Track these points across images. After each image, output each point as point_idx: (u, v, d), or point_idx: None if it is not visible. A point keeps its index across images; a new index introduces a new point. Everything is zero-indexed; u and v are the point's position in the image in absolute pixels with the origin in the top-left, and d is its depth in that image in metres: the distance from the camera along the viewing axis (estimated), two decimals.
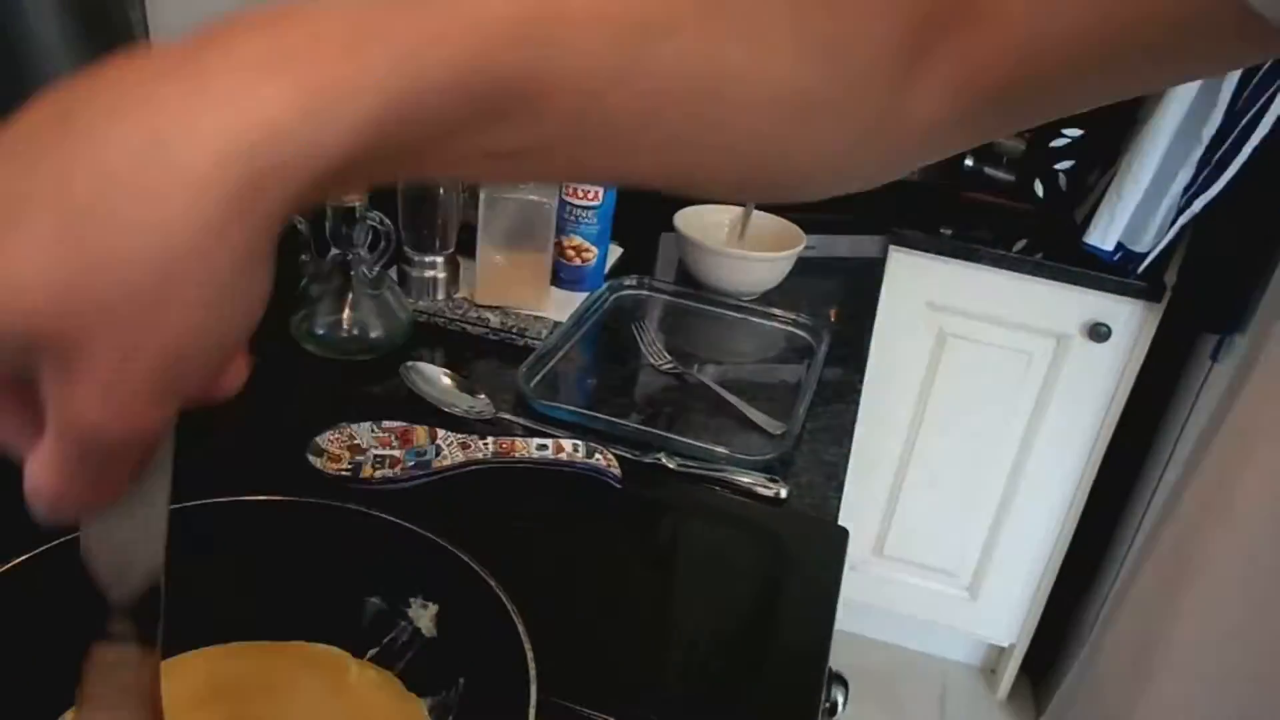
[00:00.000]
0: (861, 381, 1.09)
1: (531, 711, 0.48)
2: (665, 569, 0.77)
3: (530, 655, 0.51)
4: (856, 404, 1.04)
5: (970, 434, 1.74)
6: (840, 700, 0.80)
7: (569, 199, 1.10)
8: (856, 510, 1.83)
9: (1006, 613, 1.87)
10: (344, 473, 0.77)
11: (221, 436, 0.83)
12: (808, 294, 1.23)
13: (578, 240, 1.11)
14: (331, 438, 0.80)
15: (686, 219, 1.23)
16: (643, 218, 1.25)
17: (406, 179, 0.32)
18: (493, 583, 0.54)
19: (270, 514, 0.59)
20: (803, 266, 1.24)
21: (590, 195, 1.09)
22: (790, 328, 1.14)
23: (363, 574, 0.60)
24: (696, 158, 0.37)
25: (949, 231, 1.62)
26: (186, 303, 0.25)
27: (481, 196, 1.04)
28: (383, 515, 0.59)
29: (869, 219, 1.57)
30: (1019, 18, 0.35)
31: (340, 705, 0.56)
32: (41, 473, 0.27)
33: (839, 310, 1.26)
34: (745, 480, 0.84)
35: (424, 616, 0.59)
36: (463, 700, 0.55)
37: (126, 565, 0.33)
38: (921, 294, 1.64)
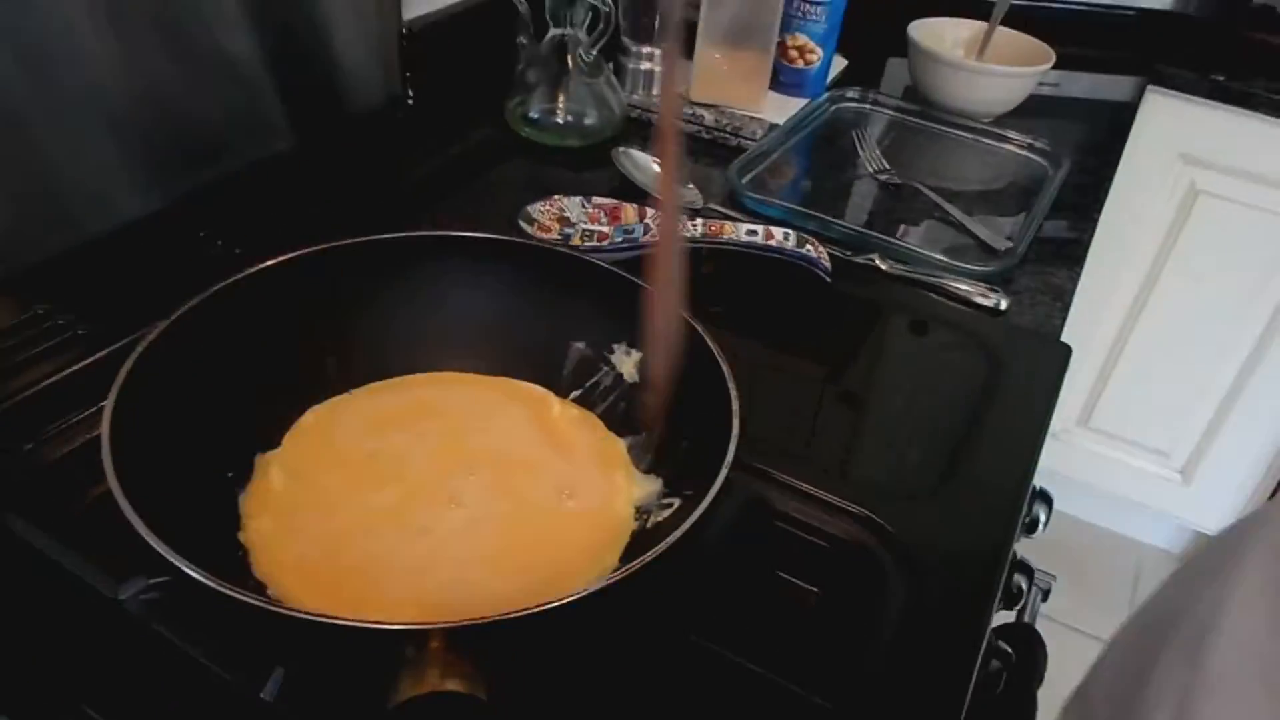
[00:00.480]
0: (1099, 212, 1.00)
1: (727, 460, 0.47)
2: (873, 364, 0.74)
3: (735, 402, 0.49)
4: (1090, 233, 0.96)
5: (1209, 305, 1.58)
6: (1043, 517, 0.76)
7: None
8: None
9: (1222, 500, 1.73)
10: (553, 241, 0.78)
11: (440, 204, 0.86)
12: (1048, 126, 1.13)
13: (802, 39, 1.05)
14: (543, 208, 0.80)
15: (921, 29, 1.14)
16: (873, 34, 1.17)
17: None
18: (700, 329, 0.53)
19: (487, 249, 0.60)
20: (1044, 105, 1.13)
21: None
22: (1024, 152, 1.05)
23: (570, 319, 0.60)
24: None
25: (1221, 77, 1.43)
26: None
27: None
28: (593, 260, 0.59)
29: (1125, 57, 1.42)
30: None
31: (543, 435, 0.57)
32: None
33: (1080, 147, 1.15)
34: (963, 288, 0.80)
35: (627, 363, 0.59)
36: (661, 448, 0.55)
37: None
38: (1176, 144, 1.47)
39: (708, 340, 0.52)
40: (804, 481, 0.58)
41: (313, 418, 0.56)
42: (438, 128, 0.97)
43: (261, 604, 0.37)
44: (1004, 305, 0.79)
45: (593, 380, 0.60)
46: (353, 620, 0.36)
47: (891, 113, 1.12)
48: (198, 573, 0.37)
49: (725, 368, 0.51)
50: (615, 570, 0.42)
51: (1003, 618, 0.70)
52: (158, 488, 0.42)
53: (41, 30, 0.63)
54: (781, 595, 0.53)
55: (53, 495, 0.53)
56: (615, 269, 0.58)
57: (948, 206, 0.92)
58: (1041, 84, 1.15)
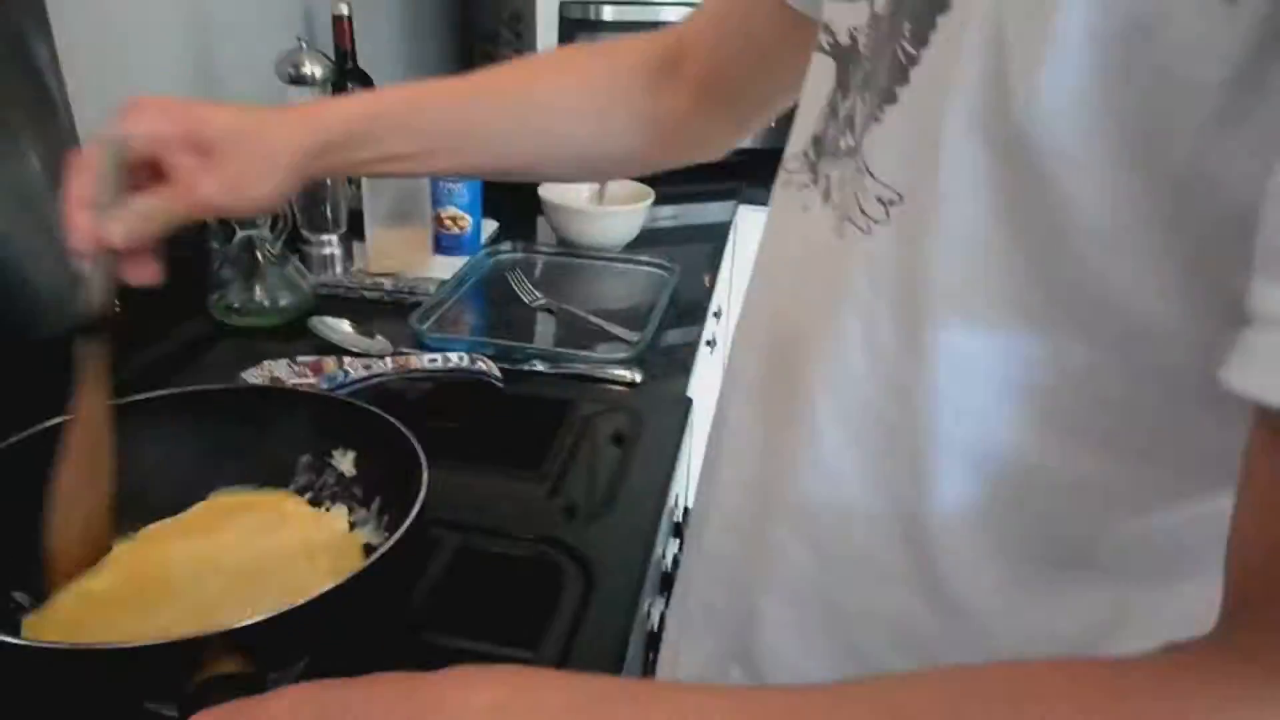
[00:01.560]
0: (708, 303, 1.29)
1: (415, 509, 0.64)
2: (542, 438, 0.94)
3: (424, 466, 0.67)
4: (702, 321, 1.23)
5: None
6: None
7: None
8: None
9: None
10: None
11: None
12: (663, 248, 1.42)
13: (453, 210, 1.29)
14: (254, 373, 0.95)
15: (550, 189, 1.42)
16: (518, 198, 1.43)
17: None
18: (396, 422, 0.71)
19: (213, 399, 0.75)
20: (661, 235, 1.43)
21: None
22: (647, 268, 1.33)
23: (292, 438, 0.76)
24: (536, 155, 0.73)
25: None
26: None
27: (364, 181, 1.21)
28: (306, 389, 0.76)
29: (723, 187, 1.78)
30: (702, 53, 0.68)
31: (280, 525, 0.71)
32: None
33: (692, 259, 1.45)
34: (607, 373, 1.03)
35: (344, 461, 0.75)
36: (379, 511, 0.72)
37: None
38: None
39: (399, 425, 0.70)
40: (501, 527, 0.76)
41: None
42: (149, 330, 1.10)
43: (68, 646, 0.49)
44: (639, 378, 1.02)
45: (320, 480, 0.76)
46: (152, 640, 0.49)
47: (540, 255, 1.37)
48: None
49: (414, 441, 0.68)
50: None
51: None
52: None
53: None
54: (492, 602, 0.70)
55: None
56: (325, 392, 0.75)
57: (591, 318, 1.16)
58: (658, 219, 1.46)
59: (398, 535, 0.59)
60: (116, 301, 1.10)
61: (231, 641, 0.51)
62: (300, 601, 0.54)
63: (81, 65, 1.05)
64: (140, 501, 0.72)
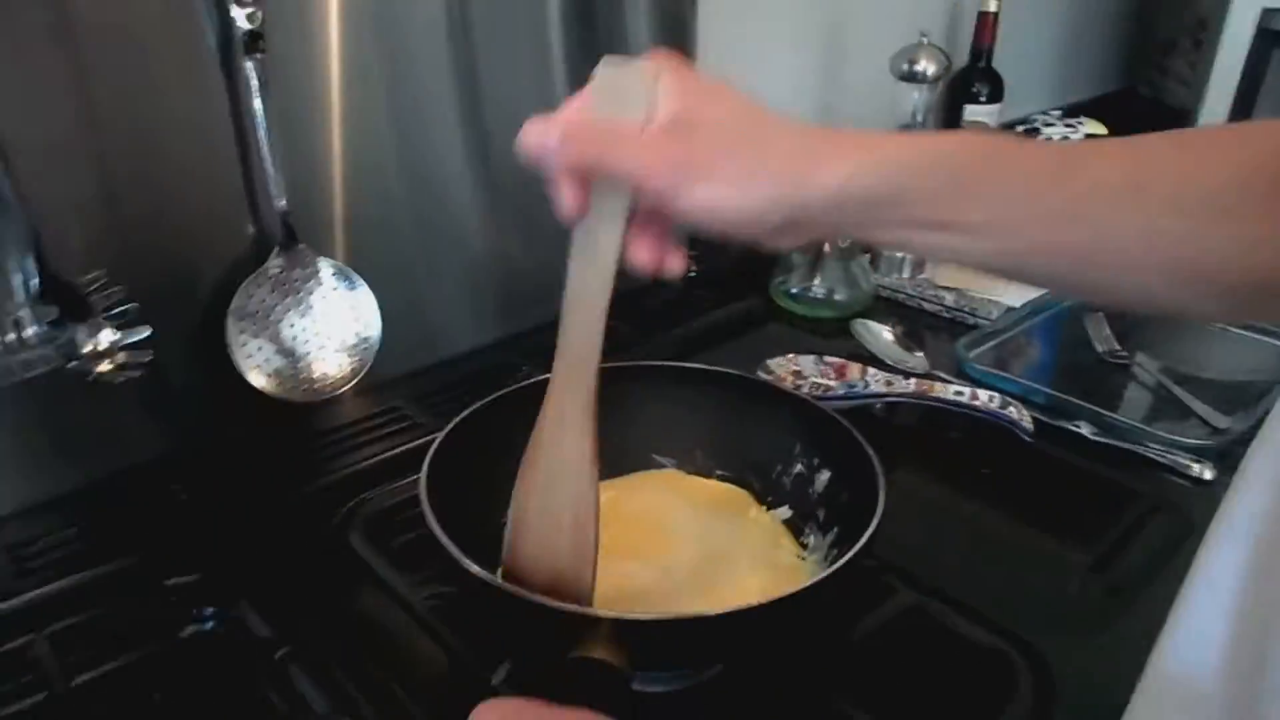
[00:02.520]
0: None
1: (860, 543, 0.57)
2: (1061, 515, 0.80)
3: (880, 504, 0.61)
4: None
5: None
6: None
7: None
8: None
9: None
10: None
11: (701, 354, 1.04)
12: None
13: None
14: (779, 362, 0.96)
15: None
16: None
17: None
18: (872, 455, 0.65)
19: (718, 380, 0.76)
20: None
21: None
22: (1270, 340, 1.07)
23: (775, 439, 0.74)
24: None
25: None
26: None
27: None
28: (811, 395, 0.74)
29: None
30: None
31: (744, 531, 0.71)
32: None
33: None
34: (1168, 457, 0.84)
35: (819, 478, 0.72)
36: (832, 545, 0.67)
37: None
38: None
39: (873, 459, 0.64)
40: (967, 599, 0.67)
41: None
42: (712, 297, 1.16)
43: (510, 590, 0.53)
44: (1208, 475, 0.82)
45: (788, 487, 0.73)
46: (561, 605, 0.51)
47: None
48: (482, 573, 0.54)
49: (876, 462, 0.62)
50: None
51: None
52: (453, 522, 0.60)
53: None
54: (918, 685, 0.62)
55: (384, 528, 0.74)
56: (816, 403, 0.72)
57: (1173, 386, 0.96)
58: None
59: (829, 570, 0.54)
60: (693, 266, 1.20)
61: (617, 630, 0.50)
62: (704, 613, 0.52)
63: (716, 40, 1.13)
64: (629, 453, 0.76)
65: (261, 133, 0.74)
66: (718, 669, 0.61)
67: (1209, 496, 0.81)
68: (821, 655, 0.63)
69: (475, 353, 0.99)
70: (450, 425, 0.66)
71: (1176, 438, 0.86)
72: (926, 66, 1.11)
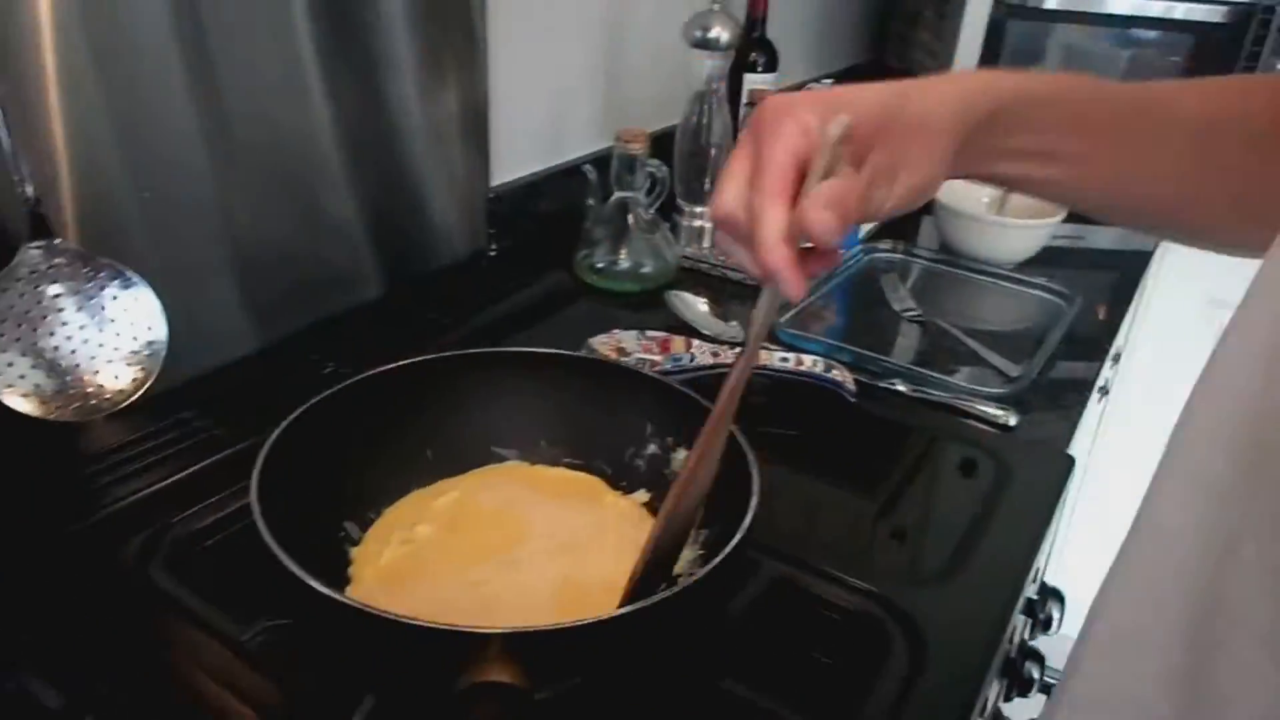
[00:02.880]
0: (1111, 343, 1.09)
1: (733, 543, 0.55)
2: (890, 470, 0.82)
3: (755, 477, 0.59)
4: (1102, 361, 1.04)
5: None
6: (1056, 614, 0.82)
7: None
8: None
9: None
10: None
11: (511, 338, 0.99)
12: (1064, 271, 1.22)
13: None
14: (602, 340, 0.92)
15: (946, 191, 1.27)
16: None
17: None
18: (740, 437, 0.63)
19: (563, 364, 0.72)
20: (1066, 255, 1.25)
21: None
22: (1041, 293, 1.16)
23: (627, 421, 0.71)
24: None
25: None
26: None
27: None
28: (651, 375, 0.71)
29: None
30: None
31: (597, 519, 0.67)
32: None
33: (1095, 289, 1.24)
34: (976, 408, 0.89)
35: (676, 457, 0.69)
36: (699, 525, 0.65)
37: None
38: (1203, 289, 1.56)
39: (737, 436, 0.62)
40: (825, 564, 0.67)
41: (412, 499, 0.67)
42: (515, 276, 1.11)
43: (381, 613, 0.47)
44: (1013, 422, 0.87)
45: (639, 466, 0.71)
46: (444, 624, 0.45)
47: (921, 261, 1.24)
48: (327, 590, 0.47)
49: (750, 455, 0.60)
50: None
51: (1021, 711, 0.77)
52: (289, 539, 0.53)
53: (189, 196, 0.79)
54: (799, 657, 0.61)
55: (193, 557, 0.64)
56: (667, 381, 0.70)
57: (967, 340, 1.02)
58: (1062, 237, 1.27)
59: (710, 567, 0.51)
60: (492, 245, 1.14)
61: (510, 645, 0.46)
62: (593, 619, 0.48)
63: (504, 12, 1.07)
64: (469, 448, 0.71)
65: None
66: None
67: (1015, 442, 0.86)
68: (702, 639, 0.60)
69: (266, 351, 0.89)
70: (279, 429, 0.59)
71: (980, 388, 0.91)
72: (720, 33, 1.11)
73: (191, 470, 0.72)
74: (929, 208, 1.28)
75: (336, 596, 0.47)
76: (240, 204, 0.84)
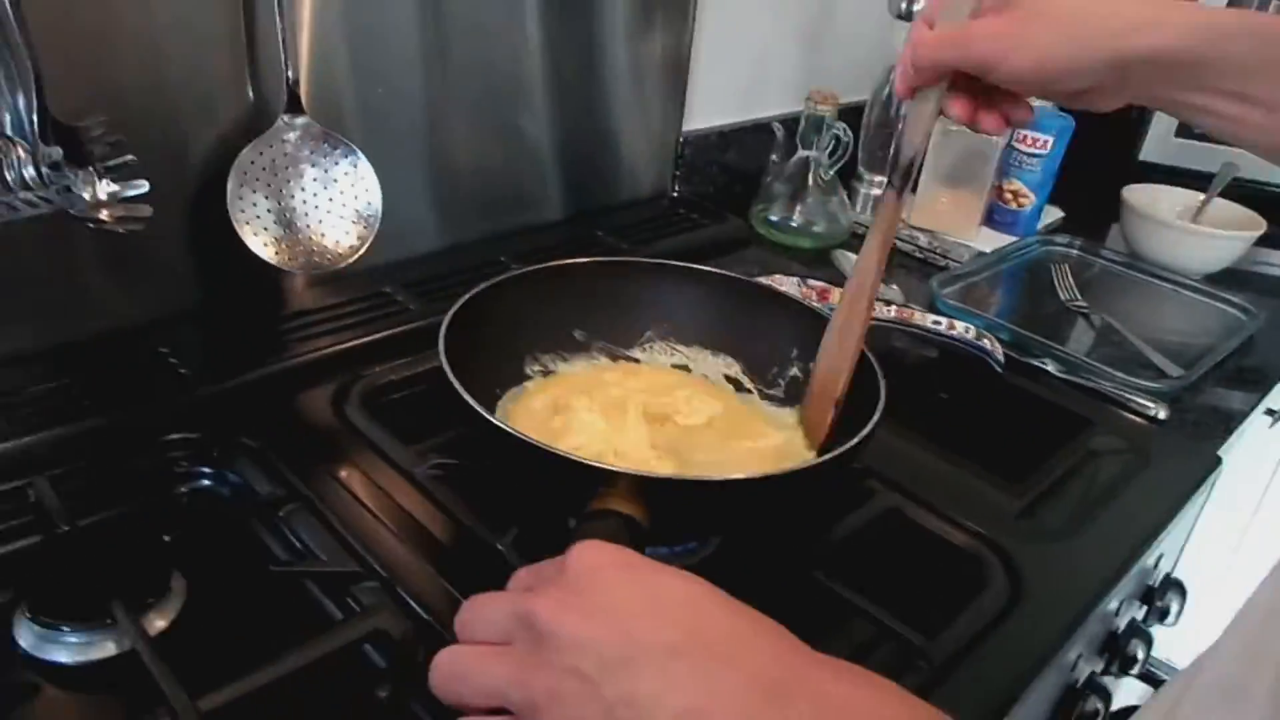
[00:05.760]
0: None
1: (868, 429, 0.60)
2: (1028, 442, 0.84)
3: (882, 397, 0.63)
4: (1271, 386, 1.01)
5: None
6: (1175, 606, 0.82)
7: (1016, 145, 1.18)
8: None
9: None
10: None
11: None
12: (1254, 294, 1.17)
13: (1017, 184, 1.19)
14: (764, 280, 0.98)
15: (1135, 192, 1.25)
16: (1100, 196, 1.28)
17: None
18: (870, 357, 0.67)
19: (731, 284, 0.78)
20: (1258, 280, 1.21)
21: (1037, 143, 1.17)
22: (1221, 305, 1.12)
23: (776, 343, 0.76)
24: None
25: None
26: None
27: (936, 129, 1.16)
28: (802, 301, 0.76)
29: None
30: None
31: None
32: None
33: None
34: (1127, 397, 0.89)
35: None
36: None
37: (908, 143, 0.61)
38: None
39: (872, 361, 0.66)
40: (940, 503, 0.70)
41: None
42: (693, 218, 1.18)
43: (521, 436, 0.54)
44: (1163, 415, 0.87)
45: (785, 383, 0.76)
46: (585, 458, 0.53)
47: (1099, 259, 1.22)
48: (495, 419, 0.55)
49: (880, 377, 0.65)
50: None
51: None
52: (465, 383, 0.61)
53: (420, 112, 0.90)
54: (897, 573, 0.65)
55: (380, 403, 0.74)
56: (816, 308, 0.74)
57: (1131, 338, 1.01)
58: (1262, 261, 1.22)
59: (843, 449, 0.57)
60: (676, 187, 1.20)
61: (638, 487, 0.52)
62: (713, 477, 0.54)
63: None
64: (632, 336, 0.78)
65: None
66: (711, 549, 0.64)
67: (1162, 435, 0.86)
68: (809, 544, 0.65)
69: (457, 248, 0.99)
70: (464, 298, 0.67)
71: (1134, 379, 0.91)
72: (923, 6, 1.13)
73: (385, 334, 0.82)
74: (1116, 211, 1.26)
75: (501, 424, 0.55)
76: (449, 116, 0.93)
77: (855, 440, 0.58)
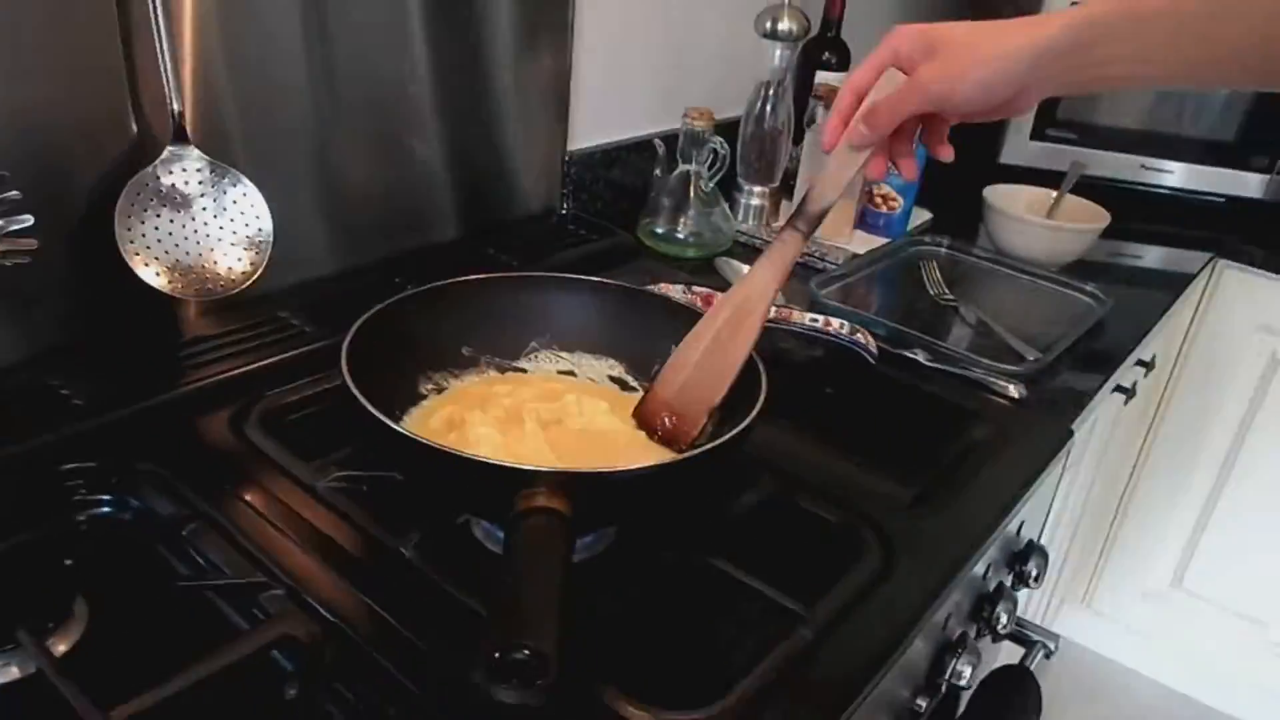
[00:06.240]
0: (1135, 346, 1.14)
1: (750, 417, 0.65)
2: (897, 425, 0.91)
3: (764, 387, 0.68)
4: (1120, 364, 1.10)
5: None
6: (1034, 570, 0.89)
7: None
8: (1159, 535, 1.79)
9: None
10: None
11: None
12: (1104, 282, 1.24)
13: (886, 189, 1.27)
14: (650, 289, 1.02)
15: (995, 192, 1.34)
16: (961, 198, 1.37)
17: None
18: (753, 353, 0.72)
19: (609, 291, 0.82)
20: (1106, 269, 1.30)
21: None
22: (1074, 293, 1.21)
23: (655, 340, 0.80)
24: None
25: None
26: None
27: (806, 140, 1.23)
28: (679, 299, 0.80)
29: (1196, 234, 1.56)
30: None
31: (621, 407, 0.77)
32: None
33: (1134, 299, 1.28)
34: (987, 379, 0.96)
35: None
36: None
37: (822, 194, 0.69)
38: (1254, 317, 1.59)
39: (754, 356, 0.71)
40: (818, 484, 0.75)
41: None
42: (582, 233, 1.22)
43: (447, 449, 0.57)
44: (1021, 394, 0.95)
45: None
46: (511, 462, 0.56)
47: (964, 255, 1.30)
48: (401, 428, 0.58)
49: (761, 368, 0.70)
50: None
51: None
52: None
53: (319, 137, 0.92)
54: (785, 551, 0.70)
55: (280, 423, 0.76)
56: (693, 305, 0.79)
57: (994, 326, 1.09)
58: (1107, 250, 1.32)
59: (731, 434, 0.61)
60: (564, 205, 1.24)
61: (560, 482, 0.56)
62: (625, 468, 0.59)
63: None
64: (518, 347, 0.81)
65: (159, 26, 0.74)
66: (611, 539, 0.68)
67: (1021, 414, 0.93)
68: (699, 532, 0.70)
69: (349, 272, 1.01)
70: (359, 321, 0.69)
71: (997, 364, 0.98)
72: (790, 26, 1.20)
73: (282, 357, 0.84)
74: (979, 211, 1.34)
75: (424, 439, 0.57)
76: (338, 140, 0.96)
77: (746, 421, 0.63)
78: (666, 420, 0.72)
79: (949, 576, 0.70)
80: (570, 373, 0.82)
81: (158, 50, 0.75)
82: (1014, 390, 0.95)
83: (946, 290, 1.18)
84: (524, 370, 0.81)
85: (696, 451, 0.65)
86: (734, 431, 0.62)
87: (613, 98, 1.30)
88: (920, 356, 0.99)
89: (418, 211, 1.08)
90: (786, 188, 1.30)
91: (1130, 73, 0.60)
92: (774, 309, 0.99)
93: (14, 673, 0.53)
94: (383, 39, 0.96)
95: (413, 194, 1.07)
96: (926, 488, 0.81)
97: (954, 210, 1.43)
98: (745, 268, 1.12)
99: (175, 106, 0.78)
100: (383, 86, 0.98)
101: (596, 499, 0.60)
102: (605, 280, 0.83)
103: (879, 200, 1.28)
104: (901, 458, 0.85)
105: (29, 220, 0.71)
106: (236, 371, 0.81)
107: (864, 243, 1.26)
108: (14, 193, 0.71)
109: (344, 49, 0.93)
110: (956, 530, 0.76)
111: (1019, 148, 1.60)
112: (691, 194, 1.20)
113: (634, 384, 0.81)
